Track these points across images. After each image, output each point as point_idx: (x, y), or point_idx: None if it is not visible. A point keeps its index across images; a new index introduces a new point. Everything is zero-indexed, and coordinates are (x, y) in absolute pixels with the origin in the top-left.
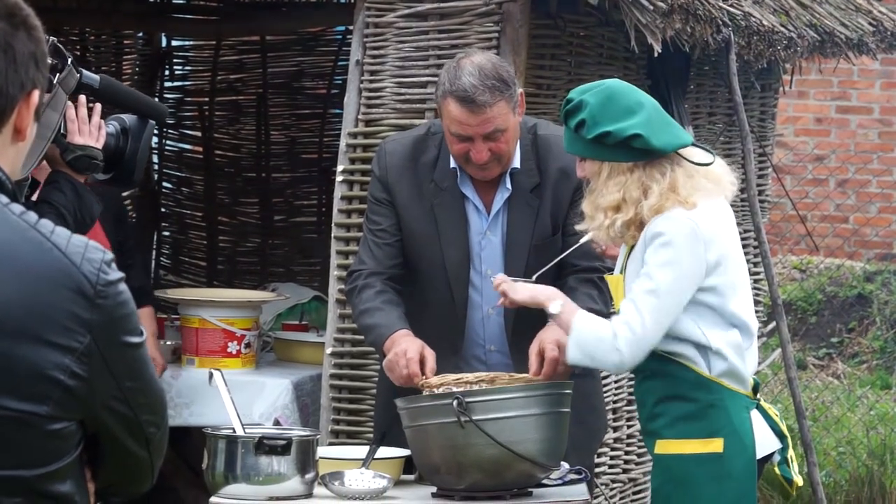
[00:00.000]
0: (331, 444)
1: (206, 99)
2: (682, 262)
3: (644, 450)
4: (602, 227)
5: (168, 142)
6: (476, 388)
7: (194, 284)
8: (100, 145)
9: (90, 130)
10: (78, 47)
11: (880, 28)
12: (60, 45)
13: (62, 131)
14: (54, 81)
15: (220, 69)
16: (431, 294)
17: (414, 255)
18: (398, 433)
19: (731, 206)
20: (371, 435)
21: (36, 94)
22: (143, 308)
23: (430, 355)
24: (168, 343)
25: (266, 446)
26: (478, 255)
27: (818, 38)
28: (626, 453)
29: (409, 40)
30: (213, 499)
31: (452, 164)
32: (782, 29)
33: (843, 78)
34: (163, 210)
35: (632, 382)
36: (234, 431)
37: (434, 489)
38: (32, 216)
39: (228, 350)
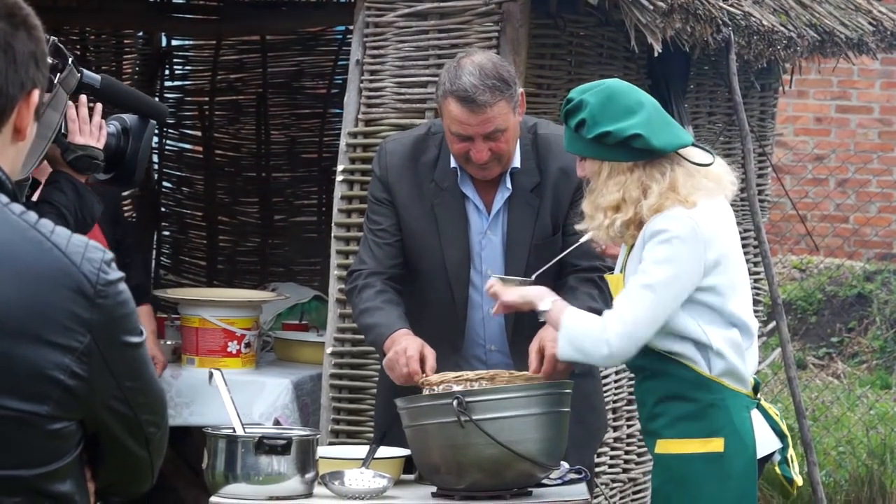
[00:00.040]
0: (331, 443)
1: (206, 98)
2: (681, 260)
3: (644, 449)
4: (602, 227)
5: (168, 141)
6: (476, 385)
7: (194, 284)
8: (101, 145)
9: (91, 130)
10: (78, 47)
11: (880, 28)
12: (61, 45)
13: (63, 131)
14: (55, 81)
15: (220, 69)
16: (432, 294)
17: (414, 254)
18: (398, 433)
19: (731, 205)
20: (371, 435)
21: (36, 94)
22: (142, 306)
23: (430, 353)
24: (168, 343)
25: (266, 446)
26: (478, 254)
27: (818, 38)
28: (626, 453)
29: (409, 40)
30: (213, 498)
31: (453, 163)
32: (782, 29)
33: (843, 77)
34: (163, 210)
35: (632, 382)
36: (234, 431)
37: (434, 489)
38: (32, 216)
39: (228, 350)
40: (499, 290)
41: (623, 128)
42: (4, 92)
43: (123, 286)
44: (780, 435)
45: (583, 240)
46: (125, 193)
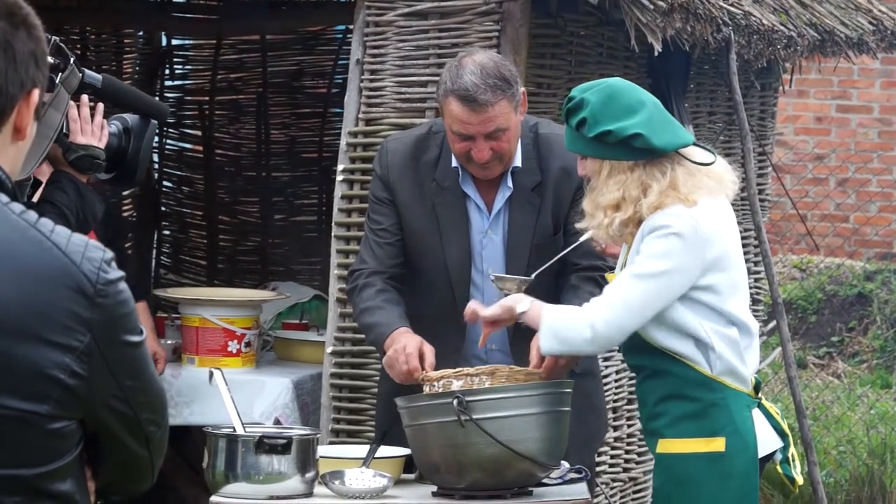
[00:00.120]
0: (331, 443)
1: (207, 98)
2: (677, 256)
3: (644, 449)
4: (601, 226)
5: (168, 141)
6: (476, 380)
7: (195, 283)
8: (102, 145)
9: (92, 130)
10: (78, 46)
11: (880, 27)
12: (63, 45)
13: (64, 131)
14: (57, 81)
15: (221, 68)
16: (433, 293)
17: (415, 254)
18: (399, 432)
19: (732, 205)
20: (371, 434)
21: (36, 93)
22: (137, 303)
23: (430, 350)
24: (168, 342)
25: (266, 445)
26: (479, 254)
27: (818, 38)
28: (627, 452)
29: (409, 39)
30: (213, 498)
31: (454, 163)
32: (782, 28)
33: (844, 77)
34: (163, 209)
35: (632, 381)
36: (235, 430)
37: (434, 488)
38: (32, 215)
39: (229, 349)
40: (476, 307)
41: (624, 127)
42: (4, 91)
43: (123, 285)
44: (782, 434)
45: (583, 238)
46: (125, 193)
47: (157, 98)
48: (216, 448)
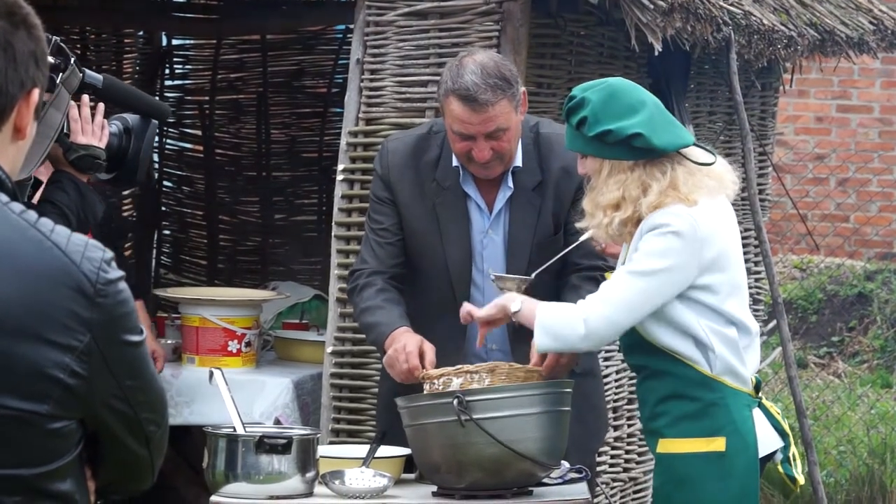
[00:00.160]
0: (331, 442)
1: (207, 98)
2: (675, 255)
3: (645, 448)
4: (601, 225)
5: (168, 140)
6: (475, 377)
7: (195, 283)
8: (103, 145)
9: (93, 130)
10: (78, 46)
11: (881, 27)
12: (63, 45)
13: (65, 131)
14: (57, 81)
15: (221, 68)
16: (433, 293)
17: (416, 254)
18: (399, 432)
19: (732, 205)
20: (372, 434)
21: (36, 93)
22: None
23: (430, 349)
24: (168, 342)
25: (266, 445)
26: (480, 254)
27: (818, 37)
28: (627, 452)
29: (409, 39)
30: (213, 497)
31: (455, 162)
32: (783, 28)
33: (844, 77)
34: (163, 209)
35: (633, 381)
36: (235, 430)
37: (434, 488)
38: (32, 215)
39: (229, 349)
40: (470, 309)
41: (624, 126)
42: (4, 91)
43: (123, 285)
44: (782, 434)
45: (583, 238)
46: (125, 193)
47: (157, 98)
48: (216, 448)
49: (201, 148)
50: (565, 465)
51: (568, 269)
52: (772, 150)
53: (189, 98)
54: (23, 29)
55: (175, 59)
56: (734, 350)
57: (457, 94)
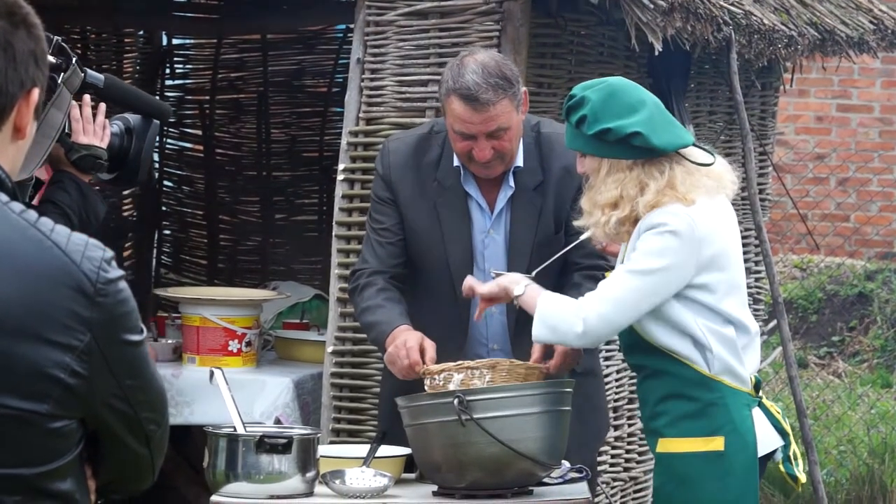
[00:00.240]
0: (332, 442)
1: (207, 97)
2: (673, 254)
3: (645, 448)
4: (598, 224)
5: (169, 140)
6: (477, 373)
7: (195, 283)
8: (104, 145)
9: (95, 130)
10: (78, 46)
11: (881, 26)
12: (65, 45)
13: (67, 131)
14: (59, 81)
15: (221, 67)
16: (435, 293)
17: (417, 253)
18: (400, 432)
19: (732, 204)
20: (372, 433)
21: (36, 93)
22: None
23: (430, 345)
24: (169, 342)
25: (267, 445)
26: (481, 253)
27: (819, 37)
28: (627, 452)
29: (409, 38)
30: (214, 497)
31: (456, 162)
32: (783, 27)
33: (844, 76)
34: (164, 208)
35: (633, 381)
36: (235, 430)
37: (435, 488)
38: (32, 214)
39: (229, 348)
40: (473, 283)
41: (623, 125)
42: (4, 90)
43: (124, 284)
44: (782, 433)
45: (582, 237)
46: (126, 192)
47: (158, 98)
48: (217, 447)
49: (201, 147)
50: (566, 464)
51: (569, 269)
52: (772, 149)
53: (189, 98)
54: (23, 28)
55: (175, 59)
56: (732, 350)
57: (458, 93)
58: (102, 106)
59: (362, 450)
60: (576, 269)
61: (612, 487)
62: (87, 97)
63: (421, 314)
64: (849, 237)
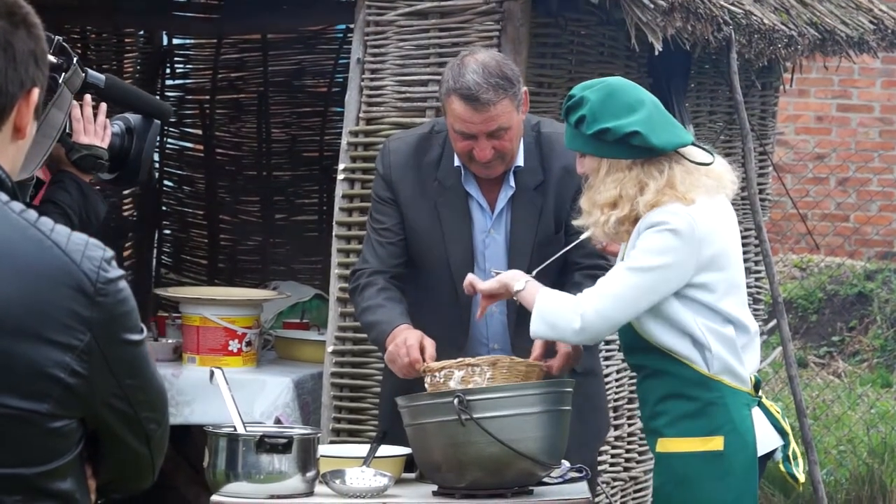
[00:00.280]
0: (332, 442)
1: (207, 97)
2: (673, 253)
3: (645, 448)
4: (598, 224)
5: (169, 140)
6: (477, 370)
7: (195, 283)
8: (105, 145)
9: (95, 130)
10: (79, 46)
11: (881, 26)
12: (66, 45)
13: (67, 131)
14: (60, 80)
15: (221, 67)
16: (435, 292)
17: (418, 253)
18: (400, 432)
19: (732, 204)
20: (372, 433)
21: (36, 93)
22: None
23: (430, 343)
24: (169, 341)
25: (267, 444)
26: (481, 253)
27: (819, 37)
28: (627, 451)
29: (410, 38)
30: (214, 497)
31: (456, 162)
32: (783, 27)
33: (844, 76)
34: (164, 208)
35: (633, 380)
36: (236, 430)
37: (435, 487)
38: (32, 214)
39: (229, 348)
40: (473, 280)
41: (622, 125)
42: (4, 90)
43: (124, 284)
44: (782, 432)
45: (582, 237)
46: (126, 192)
47: (158, 98)
48: (217, 447)
49: (202, 147)
50: (566, 464)
51: (569, 268)
52: (772, 149)
53: (190, 97)
54: (22, 28)
55: (176, 59)
56: (732, 349)
57: (458, 93)
58: (103, 106)
59: (362, 450)
60: (576, 269)
61: (612, 487)
62: (87, 97)
63: (421, 314)
64: (849, 237)
